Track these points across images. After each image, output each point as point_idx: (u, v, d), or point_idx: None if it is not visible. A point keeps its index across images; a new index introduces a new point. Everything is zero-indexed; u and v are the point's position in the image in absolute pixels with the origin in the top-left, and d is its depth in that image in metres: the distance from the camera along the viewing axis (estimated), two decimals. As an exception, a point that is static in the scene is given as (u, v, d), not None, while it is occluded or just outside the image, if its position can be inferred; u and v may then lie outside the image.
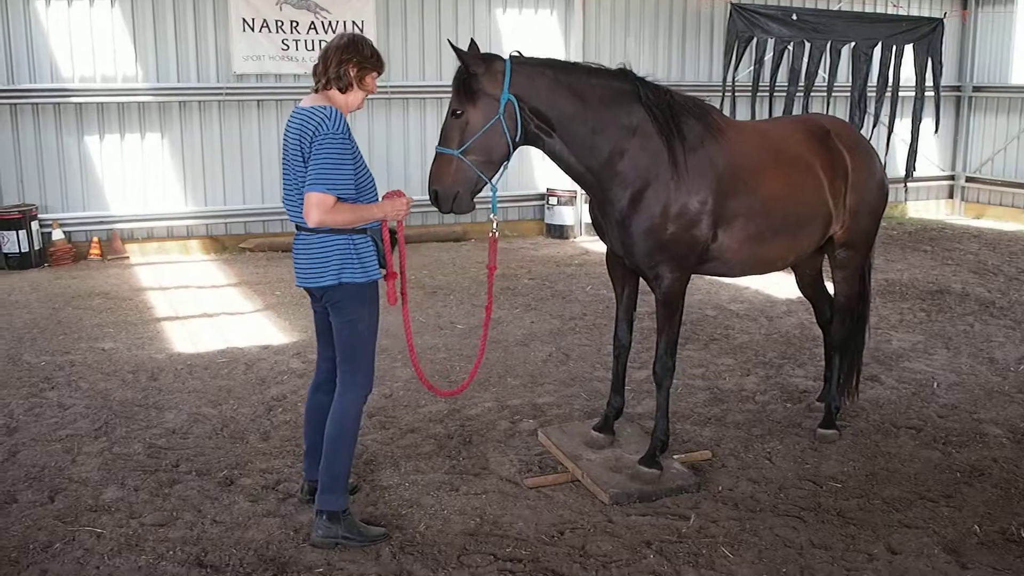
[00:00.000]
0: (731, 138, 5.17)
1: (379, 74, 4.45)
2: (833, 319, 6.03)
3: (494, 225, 5.01)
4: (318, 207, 4.14)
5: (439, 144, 4.70)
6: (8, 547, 4.45)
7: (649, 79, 5.03)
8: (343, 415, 4.46)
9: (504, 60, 4.71)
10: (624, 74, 5.01)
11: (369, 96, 4.55)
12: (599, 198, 5.05)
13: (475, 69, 4.61)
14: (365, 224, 4.33)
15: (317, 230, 4.28)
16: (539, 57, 4.93)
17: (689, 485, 5.13)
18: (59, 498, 4.99)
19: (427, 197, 4.79)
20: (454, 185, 4.65)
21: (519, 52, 4.86)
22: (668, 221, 4.90)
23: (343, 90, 4.35)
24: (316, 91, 4.39)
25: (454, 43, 4.72)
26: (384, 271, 4.46)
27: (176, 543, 4.49)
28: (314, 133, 4.17)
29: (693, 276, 5.32)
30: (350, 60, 4.31)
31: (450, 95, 4.74)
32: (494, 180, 4.76)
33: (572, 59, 13.67)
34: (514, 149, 4.76)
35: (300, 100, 4.43)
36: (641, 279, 5.36)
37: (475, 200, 4.78)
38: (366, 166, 4.43)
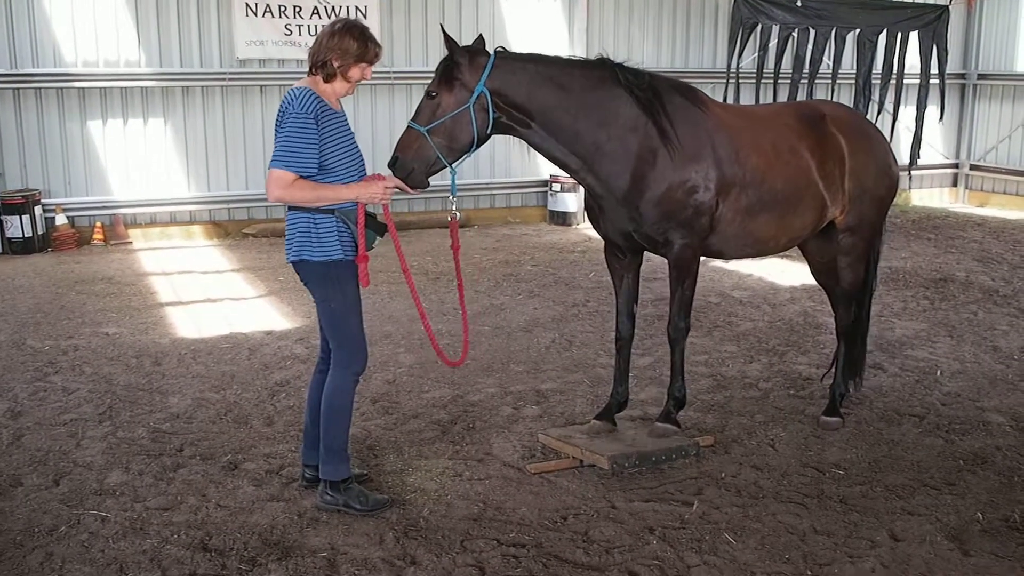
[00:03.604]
0: (717, 112, 5.37)
1: (369, 64, 4.55)
2: (838, 306, 6.07)
3: (453, 207, 5.12)
4: (276, 183, 4.36)
5: (411, 119, 4.88)
6: (13, 530, 4.47)
7: (628, 64, 5.19)
8: (331, 392, 4.69)
9: (489, 55, 4.89)
10: (602, 62, 5.19)
11: (371, 82, 4.61)
12: (588, 182, 5.18)
13: (458, 59, 4.81)
14: (333, 204, 4.45)
15: (292, 208, 4.50)
16: (523, 52, 5.16)
17: (687, 446, 5.19)
18: (64, 482, 5.01)
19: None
20: (413, 159, 4.81)
21: (503, 48, 5.03)
22: (673, 191, 5.07)
23: (326, 79, 4.49)
24: (308, 74, 4.54)
25: (446, 30, 4.94)
26: (357, 253, 4.55)
27: (181, 527, 4.51)
28: (283, 112, 4.38)
29: None
30: (333, 51, 4.43)
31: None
32: (454, 165, 4.89)
33: (576, 47, 13.85)
34: (481, 141, 4.91)
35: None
36: (641, 269, 5.55)
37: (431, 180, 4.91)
38: (353, 148, 4.57)
